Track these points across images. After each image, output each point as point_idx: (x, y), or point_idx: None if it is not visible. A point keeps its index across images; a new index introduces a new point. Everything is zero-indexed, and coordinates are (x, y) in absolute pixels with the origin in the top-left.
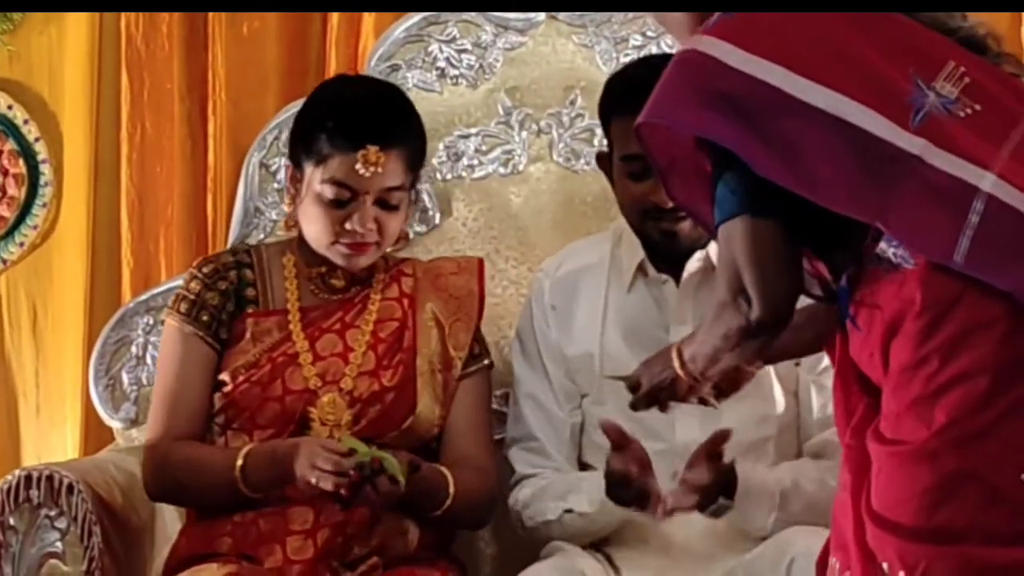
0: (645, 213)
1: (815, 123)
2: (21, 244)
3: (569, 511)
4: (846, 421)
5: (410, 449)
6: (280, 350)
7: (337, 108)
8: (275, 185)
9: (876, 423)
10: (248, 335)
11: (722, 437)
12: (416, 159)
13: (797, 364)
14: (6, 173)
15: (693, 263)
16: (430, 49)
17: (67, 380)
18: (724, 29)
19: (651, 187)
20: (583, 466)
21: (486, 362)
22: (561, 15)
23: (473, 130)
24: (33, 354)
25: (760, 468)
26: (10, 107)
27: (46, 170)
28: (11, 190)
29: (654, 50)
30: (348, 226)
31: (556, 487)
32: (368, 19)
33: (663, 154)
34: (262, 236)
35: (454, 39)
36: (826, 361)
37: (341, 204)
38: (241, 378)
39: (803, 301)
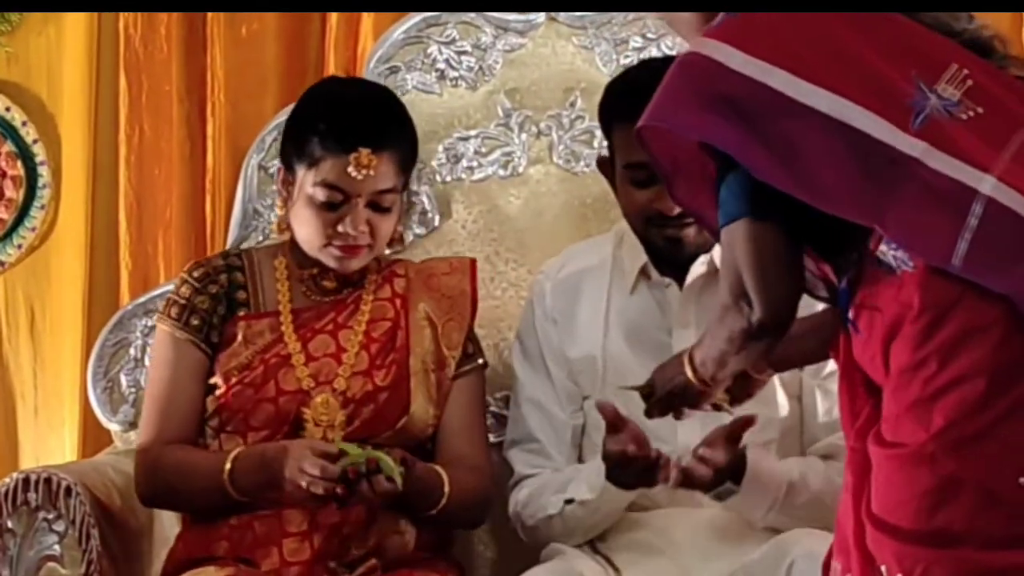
0: (649, 220)
1: (815, 126)
2: (19, 246)
3: (570, 501)
4: (851, 423)
5: (404, 449)
6: (272, 351)
7: (329, 111)
8: (274, 187)
9: (878, 426)
10: (240, 338)
11: (747, 423)
12: (408, 161)
13: (800, 368)
14: (4, 175)
15: (698, 267)
16: (429, 51)
17: (65, 382)
18: (726, 32)
19: (655, 194)
20: None
21: (480, 361)
22: (561, 16)
23: (472, 132)
24: (31, 356)
25: (770, 458)
26: (8, 109)
27: (44, 172)
28: (9, 192)
29: (654, 52)
30: (340, 228)
31: (555, 482)
32: (367, 21)
33: (666, 157)
34: (261, 238)
35: (453, 41)
36: (830, 366)
37: (333, 207)
38: (234, 380)
39: (809, 307)
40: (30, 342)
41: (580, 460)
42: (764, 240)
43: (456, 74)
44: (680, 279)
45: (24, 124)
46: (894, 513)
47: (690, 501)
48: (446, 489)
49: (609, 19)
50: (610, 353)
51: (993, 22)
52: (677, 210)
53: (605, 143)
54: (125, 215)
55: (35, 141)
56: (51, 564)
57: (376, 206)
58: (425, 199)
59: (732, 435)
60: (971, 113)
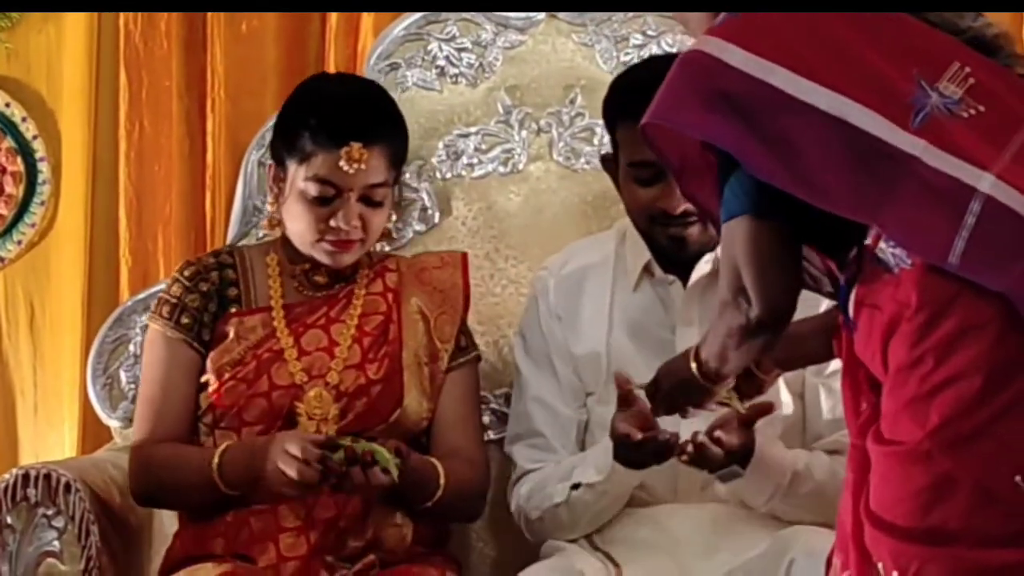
0: (653, 219)
1: (815, 124)
2: (19, 242)
3: (576, 487)
4: (854, 419)
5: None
6: (265, 347)
7: (320, 106)
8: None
9: (878, 423)
10: (232, 334)
11: (765, 409)
12: (399, 155)
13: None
14: (4, 171)
15: (702, 265)
16: (429, 48)
17: (65, 379)
18: (727, 30)
19: (659, 192)
20: None
21: (473, 354)
22: (561, 13)
23: (473, 129)
24: (31, 353)
25: (778, 446)
26: (8, 105)
27: (44, 168)
28: (9, 188)
29: (654, 49)
30: (332, 223)
31: (559, 471)
32: (367, 17)
33: (673, 153)
34: (261, 235)
35: (454, 38)
36: (834, 364)
37: (325, 201)
38: (227, 376)
39: (813, 308)
40: (30, 338)
41: None
42: (764, 238)
43: (456, 71)
44: (684, 276)
45: (24, 120)
46: (890, 510)
47: (691, 496)
48: (442, 481)
49: (609, 16)
50: (614, 350)
51: (993, 20)
52: (681, 208)
53: (605, 140)
54: (125, 211)
55: (35, 137)
56: (50, 560)
57: (368, 200)
58: (425, 196)
59: (747, 419)
60: (972, 111)
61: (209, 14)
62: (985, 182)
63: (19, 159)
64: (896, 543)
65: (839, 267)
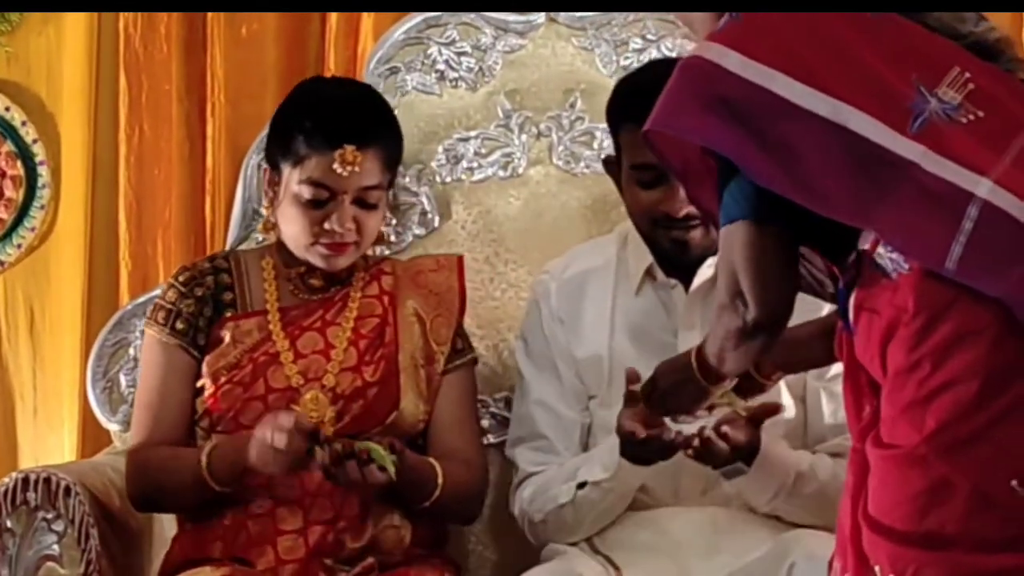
0: (655, 222)
1: (814, 129)
2: (19, 246)
3: (582, 486)
4: (855, 423)
5: None
6: (261, 350)
7: (313, 108)
8: None
9: (878, 427)
10: (228, 338)
11: (772, 410)
12: (393, 158)
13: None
14: (3, 175)
15: (705, 270)
16: (429, 51)
17: (65, 382)
18: (728, 35)
19: (661, 195)
20: None
21: (470, 356)
22: (561, 17)
23: (472, 133)
24: (31, 356)
25: (783, 445)
26: (8, 108)
27: (44, 172)
28: (9, 192)
29: (654, 53)
30: (327, 226)
31: (563, 472)
32: (367, 21)
33: (676, 158)
34: (260, 239)
35: (453, 42)
36: (836, 368)
37: (319, 204)
38: (223, 379)
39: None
40: (29, 342)
41: None
42: (762, 243)
43: (456, 75)
44: (686, 280)
45: (24, 124)
46: (888, 514)
47: (692, 499)
48: (440, 481)
49: (609, 20)
50: (616, 353)
51: (995, 22)
52: (683, 212)
53: (605, 144)
54: (125, 215)
55: (35, 141)
56: (50, 564)
57: (362, 203)
58: (425, 200)
59: (754, 418)
60: (971, 116)
61: (209, 18)
62: (983, 187)
63: (19, 163)
64: (893, 547)
65: (839, 271)
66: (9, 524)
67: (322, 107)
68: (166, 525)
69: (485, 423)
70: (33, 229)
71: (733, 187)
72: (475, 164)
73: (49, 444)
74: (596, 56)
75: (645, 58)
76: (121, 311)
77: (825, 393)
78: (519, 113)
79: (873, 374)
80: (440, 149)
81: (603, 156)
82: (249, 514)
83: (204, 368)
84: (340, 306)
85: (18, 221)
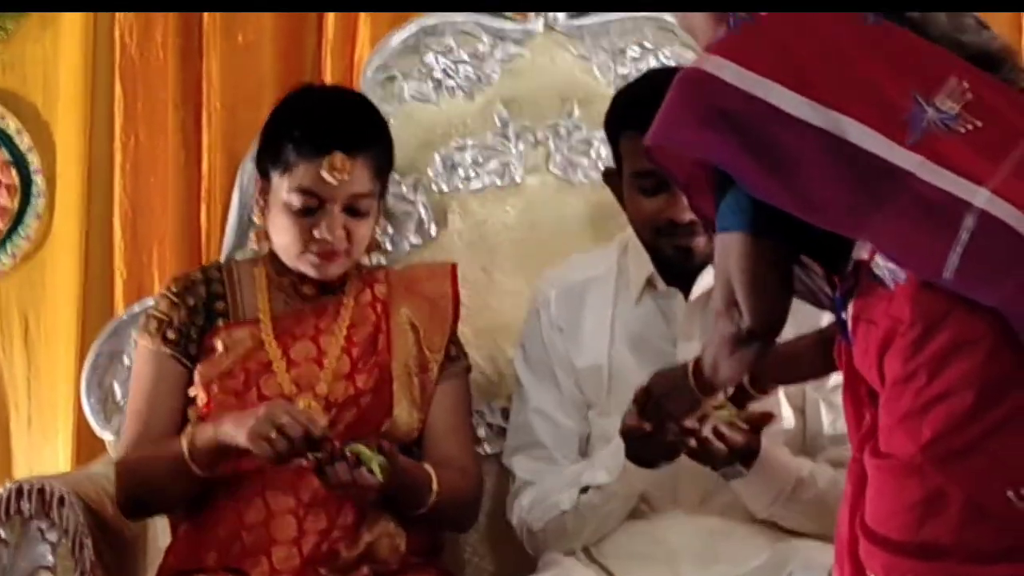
0: (659, 230)
1: (811, 140)
2: (13, 255)
3: (585, 490)
4: (855, 433)
5: None
6: (254, 359)
7: (302, 116)
8: None
9: (876, 437)
10: (220, 347)
11: (766, 418)
12: (383, 165)
13: None
14: None
15: (705, 278)
16: (426, 59)
17: (59, 392)
18: (725, 46)
19: (664, 203)
20: None
21: (464, 364)
22: (559, 26)
23: (470, 141)
24: (25, 365)
25: (784, 451)
26: (3, 117)
27: (39, 180)
28: (3, 200)
29: (652, 62)
30: (317, 234)
31: (563, 479)
32: (364, 29)
33: (679, 169)
34: (256, 247)
35: (451, 50)
36: (834, 378)
37: (309, 212)
38: (215, 388)
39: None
40: (24, 351)
41: None
42: (757, 256)
43: (453, 83)
44: (686, 289)
45: (19, 132)
46: (884, 524)
47: (690, 506)
48: (435, 487)
49: (606, 29)
50: (616, 362)
51: (989, 21)
52: (688, 218)
53: (603, 153)
54: (120, 223)
55: (30, 149)
56: (44, 574)
57: (352, 211)
58: (422, 209)
59: (751, 423)
60: (969, 127)
61: (205, 25)
62: (980, 197)
63: (14, 171)
64: (889, 557)
65: (837, 281)
66: (3, 534)
67: (311, 115)
68: (160, 534)
69: (481, 433)
70: (28, 238)
71: (730, 198)
72: (472, 173)
73: (43, 454)
74: (594, 65)
75: (643, 67)
76: (116, 320)
77: (824, 404)
78: (516, 122)
79: (872, 384)
80: (437, 158)
81: (602, 166)
82: (243, 524)
83: (196, 377)
84: (333, 314)
85: (13, 230)
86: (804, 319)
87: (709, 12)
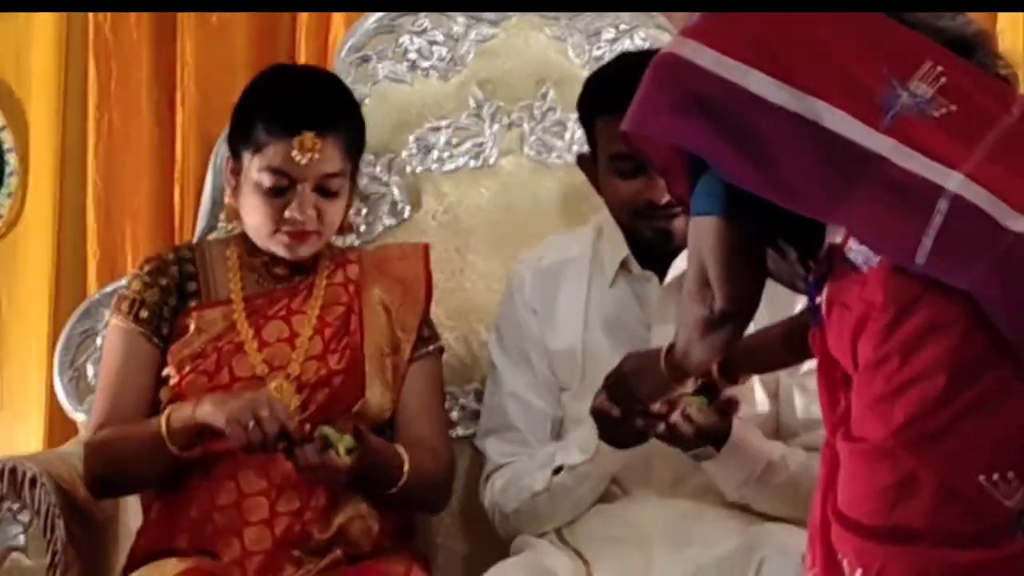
0: (637, 212)
1: (786, 124)
2: None
3: (558, 470)
4: (830, 417)
5: None
6: (226, 339)
7: (272, 96)
8: None
9: (850, 421)
10: (192, 327)
11: (734, 404)
12: (354, 145)
13: None
14: None
15: (680, 262)
16: (401, 40)
17: (31, 372)
18: (700, 30)
19: (643, 185)
20: None
21: (436, 345)
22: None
23: (444, 122)
24: None
25: (756, 433)
26: None
27: (12, 159)
28: None
29: (627, 43)
30: (287, 214)
31: (536, 461)
32: None
33: (656, 154)
34: (230, 227)
35: (425, 30)
36: (808, 364)
37: (279, 192)
38: (187, 368)
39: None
40: None
41: None
42: (731, 241)
43: (428, 64)
44: (661, 273)
45: None
46: (856, 508)
47: (663, 489)
48: (406, 468)
49: None
50: (589, 346)
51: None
52: (666, 199)
53: (577, 135)
54: (93, 204)
55: (3, 128)
56: (15, 554)
57: (323, 191)
58: (395, 190)
59: (722, 407)
60: (944, 111)
61: None
62: (953, 181)
63: None
64: (861, 541)
65: (812, 265)
66: None
67: (281, 94)
68: (132, 516)
69: (455, 415)
70: (0, 217)
71: (705, 182)
72: (446, 154)
73: (16, 434)
74: (568, 46)
75: (618, 48)
76: (89, 300)
77: (797, 389)
78: (491, 103)
79: (846, 368)
80: (411, 139)
81: (576, 149)
82: (215, 505)
83: (169, 358)
84: (305, 295)
85: None
86: (778, 305)
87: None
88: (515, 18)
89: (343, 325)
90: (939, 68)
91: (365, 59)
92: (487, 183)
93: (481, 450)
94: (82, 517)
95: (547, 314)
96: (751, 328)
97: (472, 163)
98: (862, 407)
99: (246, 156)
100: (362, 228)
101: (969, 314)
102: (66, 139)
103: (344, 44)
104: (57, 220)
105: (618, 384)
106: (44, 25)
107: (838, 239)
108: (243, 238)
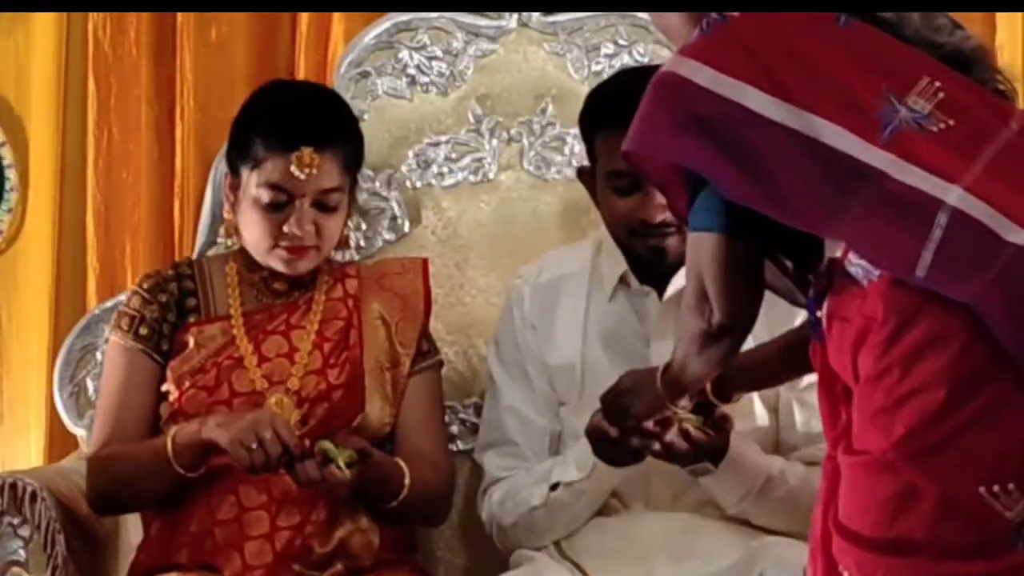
0: (632, 230)
1: (785, 141)
2: None
3: (555, 487)
4: (830, 431)
5: None
6: (225, 354)
7: (271, 111)
8: None
9: (850, 435)
10: (192, 343)
11: (727, 420)
12: (353, 160)
13: None
14: None
15: (679, 278)
16: (400, 56)
17: (32, 387)
18: (699, 48)
19: (637, 203)
20: None
21: (436, 359)
22: (532, 22)
23: (443, 138)
24: None
25: (754, 447)
26: None
27: (11, 175)
28: None
29: (626, 58)
30: (286, 229)
31: (534, 475)
32: (337, 26)
33: (656, 172)
34: (229, 243)
35: (424, 46)
36: (807, 378)
37: (278, 208)
38: (187, 384)
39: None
40: None
41: None
42: (731, 256)
43: (427, 79)
44: (660, 288)
45: None
46: (856, 520)
47: (662, 504)
48: (407, 481)
49: (580, 25)
50: (588, 361)
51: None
52: (659, 218)
53: (576, 150)
54: (93, 219)
55: (2, 144)
56: (16, 569)
57: (322, 206)
58: (395, 205)
59: (715, 424)
60: (942, 125)
61: (179, 22)
62: (953, 194)
63: None
64: (861, 552)
65: (812, 280)
66: None
67: (279, 110)
68: (132, 531)
69: (455, 429)
70: (0, 233)
71: (703, 198)
72: (445, 169)
73: (16, 449)
74: (568, 61)
75: (617, 63)
76: (89, 315)
77: (797, 403)
78: (490, 118)
79: (846, 381)
80: (410, 154)
81: (575, 163)
82: (216, 520)
83: (168, 373)
84: (304, 310)
85: None
86: (777, 319)
87: (686, 12)
88: (514, 33)
89: (342, 340)
90: (937, 83)
91: (364, 75)
92: (486, 198)
93: (479, 464)
94: (82, 532)
95: (546, 329)
96: (750, 343)
97: (471, 178)
98: (863, 420)
99: (244, 172)
100: (362, 243)
101: (969, 326)
102: (66, 155)
103: (343, 60)
104: (57, 235)
105: (614, 403)
106: (44, 41)
107: (838, 253)
108: (242, 253)
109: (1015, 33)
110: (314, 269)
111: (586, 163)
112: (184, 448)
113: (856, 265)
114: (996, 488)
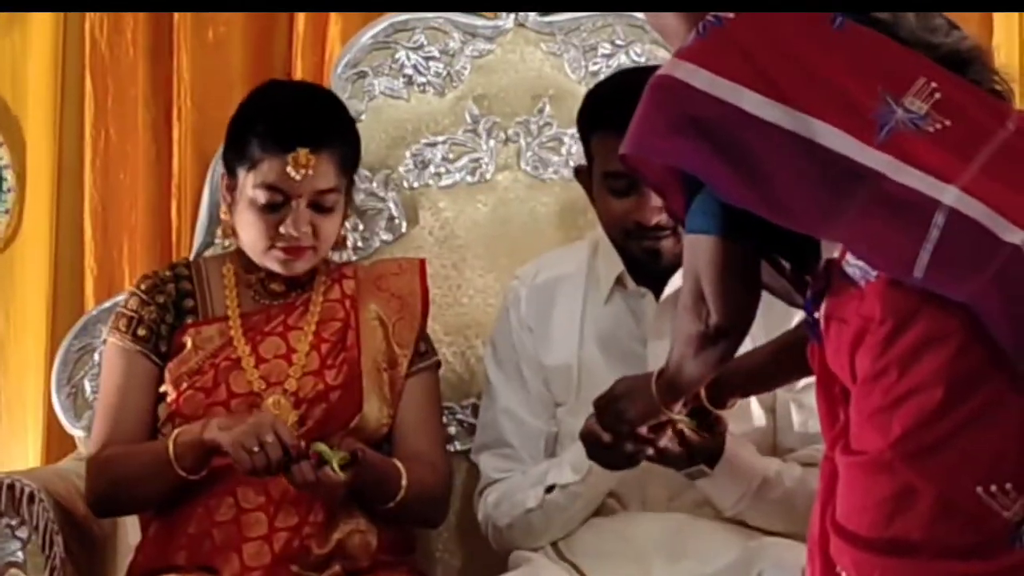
0: (627, 232)
1: (781, 143)
2: None
3: (551, 489)
4: (829, 432)
5: None
6: (222, 356)
7: (267, 112)
8: None
9: (848, 435)
10: (190, 345)
11: (721, 423)
12: (349, 161)
13: None
14: None
15: (676, 279)
16: (397, 56)
17: (29, 388)
18: (695, 51)
19: (634, 204)
20: None
21: (433, 360)
22: (529, 22)
23: (440, 138)
24: None
25: (750, 449)
26: None
27: (9, 176)
28: None
29: (623, 59)
30: (282, 230)
31: (530, 477)
32: (334, 26)
33: (653, 174)
34: (227, 244)
35: (421, 46)
36: (805, 379)
37: (274, 208)
38: (185, 385)
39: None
40: None
41: None
42: (728, 258)
43: (424, 80)
44: (656, 289)
45: None
46: (854, 520)
47: (659, 505)
48: (404, 482)
49: (577, 26)
50: (585, 362)
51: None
52: (655, 220)
53: (574, 150)
54: (90, 220)
55: None
56: (14, 571)
57: (318, 207)
58: (392, 205)
59: (709, 426)
60: (939, 126)
61: (176, 22)
62: (949, 195)
63: None
64: (859, 553)
65: (809, 281)
66: None
67: (275, 110)
68: (131, 532)
69: (452, 430)
70: None
71: (700, 200)
72: (443, 169)
73: (13, 450)
74: (565, 61)
75: (614, 63)
76: (86, 316)
77: (794, 404)
78: (487, 118)
79: (844, 382)
80: (407, 154)
81: (573, 164)
82: (214, 521)
83: (166, 375)
84: (301, 310)
85: None
86: (774, 320)
87: (682, 12)
88: (511, 34)
89: (340, 340)
90: (933, 84)
91: (361, 75)
92: (484, 198)
93: (476, 465)
94: (80, 533)
95: (542, 330)
96: (747, 344)
97: (469, 179)
98: (860, 420)
99: (241, 172)
100: (359, 244)
101: (967, 326)
102: (63, 155)
103: (340, 60)
104: (54, 236)
105: (608, 408)
106: (40, 42)
107: (835, 254)
108: (239, 254)
109: (1012, 33)
110: (311, 270)
111: (583, 162)
112: (186, 450)
113: (854, 266)
114: (993, 488)
